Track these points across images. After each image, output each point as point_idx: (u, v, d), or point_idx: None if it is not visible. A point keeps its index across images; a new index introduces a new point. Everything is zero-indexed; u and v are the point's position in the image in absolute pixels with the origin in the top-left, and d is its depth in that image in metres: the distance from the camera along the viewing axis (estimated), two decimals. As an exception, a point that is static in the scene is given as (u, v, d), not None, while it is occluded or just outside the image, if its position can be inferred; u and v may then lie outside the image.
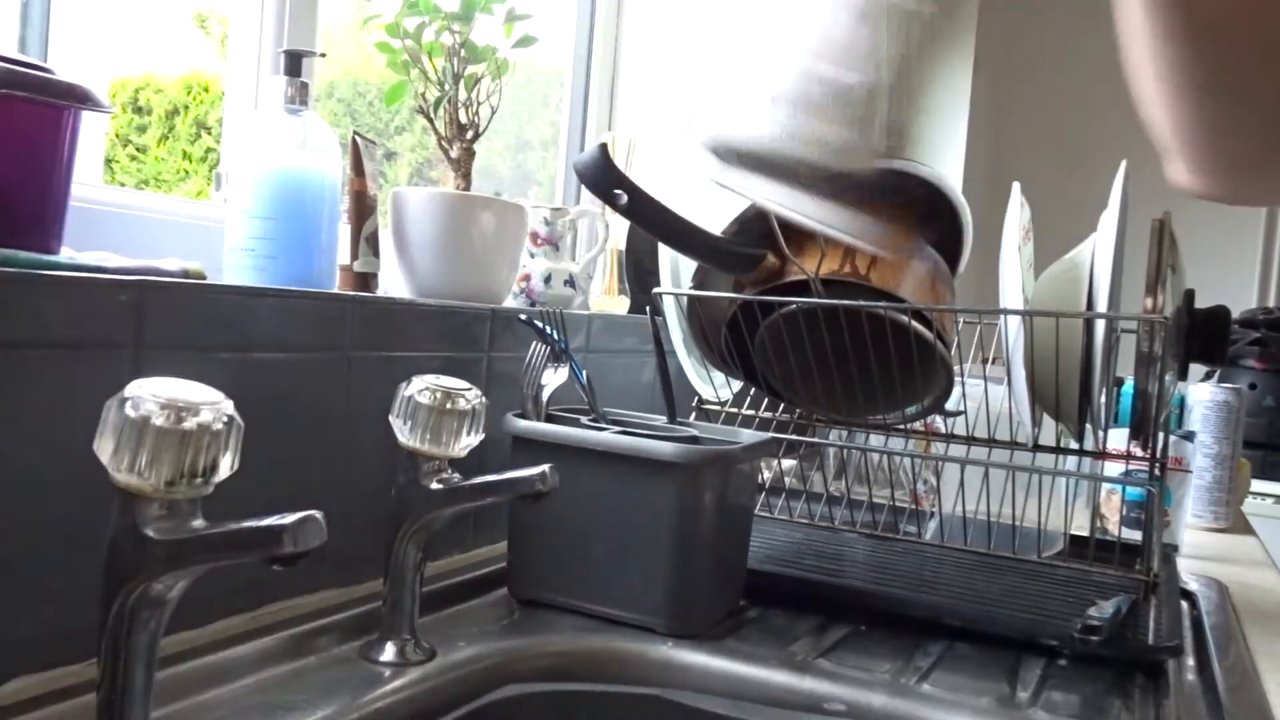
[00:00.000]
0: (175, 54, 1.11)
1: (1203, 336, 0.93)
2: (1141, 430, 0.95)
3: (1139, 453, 1.01)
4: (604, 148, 0.87)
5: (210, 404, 0.48)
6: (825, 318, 0.94)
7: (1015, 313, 0.93)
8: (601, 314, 1.17)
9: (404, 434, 0.69)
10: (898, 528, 1.07)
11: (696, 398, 1.11)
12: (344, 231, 0.92)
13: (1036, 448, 1.01)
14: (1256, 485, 2.02)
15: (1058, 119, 3.09)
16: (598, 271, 1.33)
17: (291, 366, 0.73)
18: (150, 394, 0.47)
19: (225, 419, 0.48)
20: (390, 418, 0.70)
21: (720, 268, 0.97)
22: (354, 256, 0.94)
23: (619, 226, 1.36)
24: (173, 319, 0.64)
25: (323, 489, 0.77)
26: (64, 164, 0.65)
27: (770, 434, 0.96)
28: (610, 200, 0.87)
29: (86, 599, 0.50)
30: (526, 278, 1.15)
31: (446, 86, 0.98)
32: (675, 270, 1.06)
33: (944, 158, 2.57)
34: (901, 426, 1.08)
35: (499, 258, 0.98)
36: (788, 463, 1.24)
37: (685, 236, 0.92)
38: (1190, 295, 0.95)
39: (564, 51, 1.76)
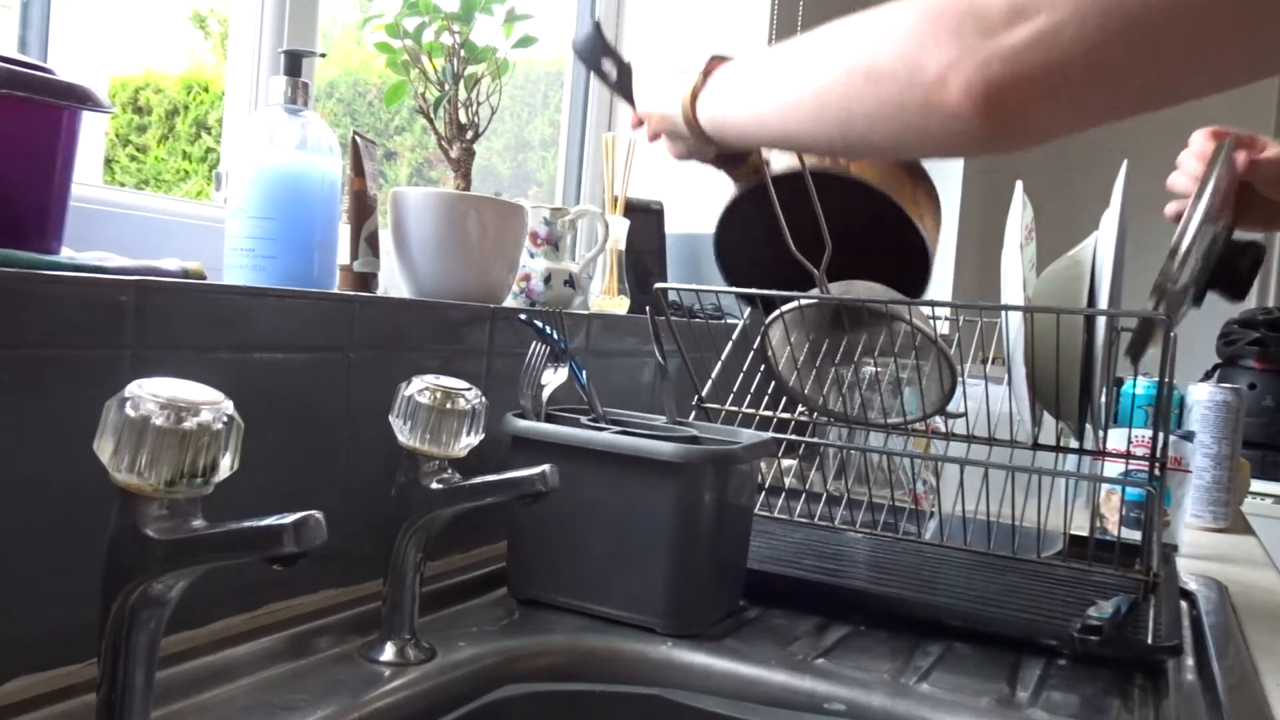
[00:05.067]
0: (175, 53, 1.11)
1: (1231, 268, 0.92)
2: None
3: (1139, 452, 1.01)
4: (598, 25, 0.92)
5: (210, 404, 0.48)
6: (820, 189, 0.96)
7: (1015, 309, 0.93)
8: (601, 314, 1.17)
9: (404, 434, 0.69)
10: (898, 528, 1.07)
11: (696, 397, 1.11)
12: (344, 231, 0.92)
13: (1036, 447, 1.01)
14: (1256, 485, 2.02)
15: (1058, 119, 3.07)
16: (598, 271, 1.33)
17: (291, 366, 0.73)
18: (150, 394, 0.47)
19: (225, 419, 0.48)
20: (390, 418, 0.70)
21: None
22: (354, 256, 0.94)
23: (619, 227, 1.36)
24: (173, 319, 0.64)
25: (323, 489, 0.77)
26: (64, 164, 0.65)
27: (770, 434, 0.96)
28: (600, 75, 0.91)
29: (86, 599, 0.50)
30: (526, 278, 1.15)
31: (446, 86, 0.98)
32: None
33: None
34: (902, 424, 1.08)
35: (499, 258, 0.98)
36: (787, 463, 1.24)
37: None
38: (1231, 227, 0.94)
39: (564, 50, 1.76)
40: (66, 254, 0.67)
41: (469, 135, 1.00)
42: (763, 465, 1.12)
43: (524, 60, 1.63)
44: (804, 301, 1.08)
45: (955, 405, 1.08)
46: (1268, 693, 0.76)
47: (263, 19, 1.08)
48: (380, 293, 0.97)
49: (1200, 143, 0.99)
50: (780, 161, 0.98)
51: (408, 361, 0.83)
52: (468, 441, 0.71)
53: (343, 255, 0.91)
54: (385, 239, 0.97)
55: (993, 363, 1.13)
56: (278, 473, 0.73)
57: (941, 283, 2.53)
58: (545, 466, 0.68)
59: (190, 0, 1.11)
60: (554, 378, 0.88)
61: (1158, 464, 0.95)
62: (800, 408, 1.16)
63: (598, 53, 0.90)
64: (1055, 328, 0.92)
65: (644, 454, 0.79)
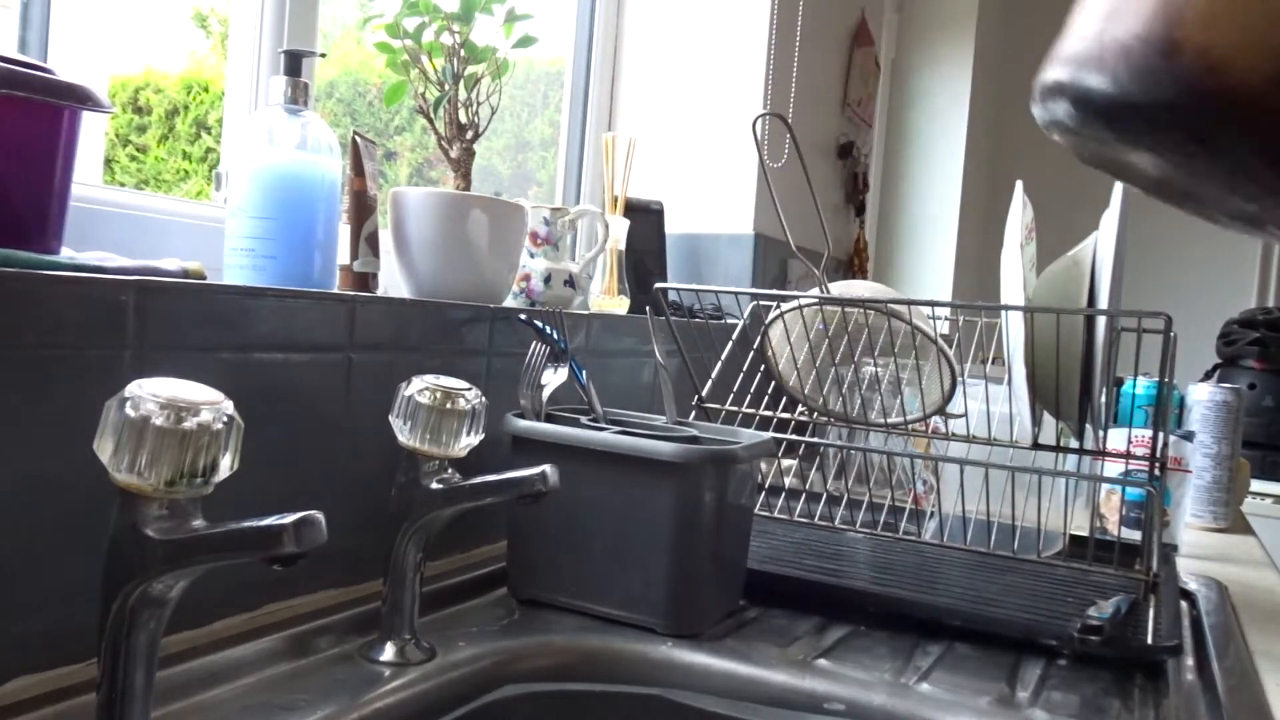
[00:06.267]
0: (175, 53, 1.11)
1: None
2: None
3: (1139, 452, 1.01)
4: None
5: (210, 404, 0.48)
6: None
7: (1015, 309, 0.93)
8: (601, 314, 1.17)
9: (404, 434, 0.69)
10: (898, 528, 1.07)
11: (696, 397, 1.11)
12: (344, 231, 0.92)
13: (1036, 447, 1.01)
14: (1256, 485, 2.02)
15: (1058, 119, 3.07)
16: (598, 271, 1.33)
17: (291, 366, 0.73)
18: (150, 394, 0.47)
19: (225, 419, 0.48)
20: (390, 418, 0.70)
21: None
22: (354, 256, 0.94)
23: (619, 227, 1.36)
24: (173, 319, 0.64)
25: (323, 489, 0.77)
26: (64, 164, 0.65)
27: (770, 434, 0.96)
28: None
29: (86, 599, 0.50)
30: (526, 278, 1.15)
31: (446, 86, 0.98)
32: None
33: (944, 157, 2.57)
34: (902, 424, 1.08)
35: (499, 258, 0.98)
36: (787, 463, 1.24)
37: None
38: None
39: (564, 50, 1.76)
40: (66, 254, 0.67)
41: (469, 135, 1.00)
42: (763, 465, 1.12)
43: (524, 60, 1.63)
44: (804, 301, 1.08)
45: (955, 405, 1.08)
46: (1268, 693, 0.76)
47: (263, 19, 1.08)
48: (380, 293, 0.97)
49: None
50: None
51: (408, 361, 0.83)
52: (468, 441, 0.71)
53: (343, 255, 0.91)
54: (385, 239, 0.97)
55: (993, 363, 1.13)
56: (278, 473, 0.73)
57: (942, 282, 2.54)
58: (545, 466, 0.68)
59: (191, 0, 1.11)
60: (554, 378, 0.88)
61: (1158, 464, 0.95)
62: (800, 408, 1.16)
63: None
64: (1055, 328, 0.92)
65: (644, 454, 0.79)
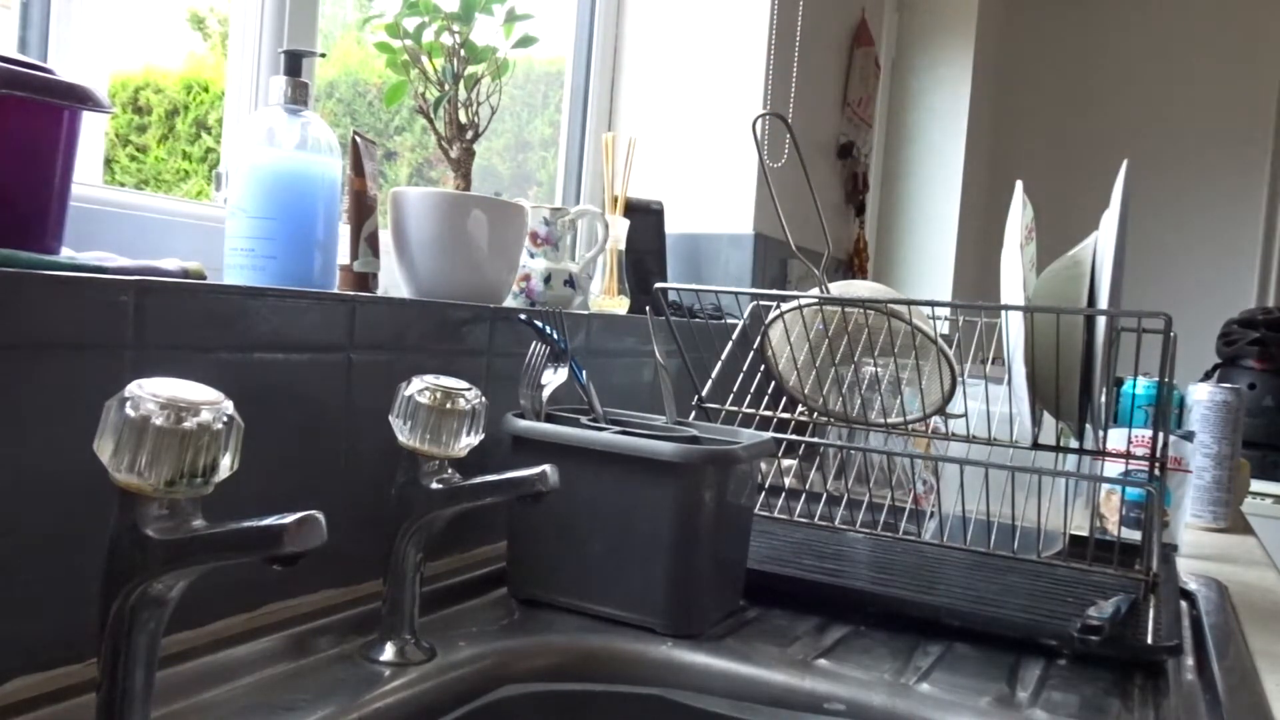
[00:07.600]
0: (175, 53, 1.11)
1: None
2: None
3: (1139, 452, 1.01)
4: None
5: (210, 404, 0.48)
6: None
7: (1015, 309, 0.93)
8: (601, 314, 1.17)
9: (404, 434, 0.69)
10: (898, 528, 1.07)
11: (696, 397, 1.11)
12: (344, 231, 0.92)
13: (1036, 447, 1.01)
14: (1256, 485, 2.02)
15: (1058, 119, 3.09)
16: (598, 271, 1.33)
17: (291, 366, 0.73)
18: (150, 394, 0.47)
19: (225, 419, 0.48)
20: (390, 418, 0.70)
21: None
22: (354, 256, 0.94)
23: (619, 227, 1.36)
24: (173, 319, 0.64)
25: (323, 489, 0.77)
26: (64, 164, 0.65)
27: (770, 434, 0.96)
28: None
29: (86, 599, 0.50)
30: (526, 278, 1.15)
31: (446, 86, 0.98)
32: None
33: (945, 157, 2.57)
34: (902, 424, 1.08)
35: (499, 258, 0.98)
36: (787, 463, 1.24)
37: None
38: None
39: (564, 50, 1.76)
40: (66, 254, 0.67)
41: (469, 135, 1.00)
42: (763, 465, 1.12)
43: (524, 60, 1.63)
44: (804, 301, 1.08)
45: (955, 405, 1.08)
46: (1268, 693, 0.76)
47: (263, 19, 1.08)
48: (380, 293, 0.97)
49: None
50: None
51: (408, 361, 0.83)
52: (468, 441, 0.71)
53: (343, 255, 0.91)
54: (385, 239, 0.97)
55: (993, 363, 1.13)
56: (278, 473, 0.73)
57: (942, 282, 2.54)
58: (545, 466, 0.68)
59: (190, 0, 1.11)
60: (554, 378, 0.88)
61: (1158, 464, 0.95)
62: (800, 408, 1.16)
63: None
64: (1055, 328, 0.92)
65: (644, 454, 0.79)
